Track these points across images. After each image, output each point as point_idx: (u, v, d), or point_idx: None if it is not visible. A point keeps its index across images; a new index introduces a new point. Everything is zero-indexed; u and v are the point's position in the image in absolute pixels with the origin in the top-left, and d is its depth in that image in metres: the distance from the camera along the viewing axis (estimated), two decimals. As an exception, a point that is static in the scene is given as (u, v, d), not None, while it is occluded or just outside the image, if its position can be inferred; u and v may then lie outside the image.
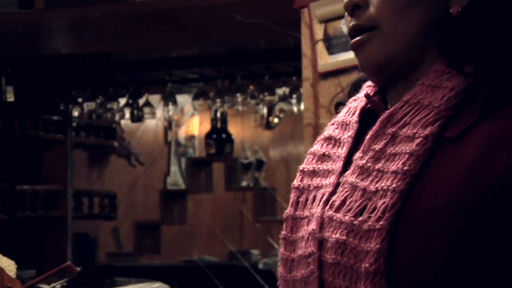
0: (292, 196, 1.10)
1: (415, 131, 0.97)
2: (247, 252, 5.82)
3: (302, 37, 3.05)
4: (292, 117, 5.12)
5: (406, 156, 0.96)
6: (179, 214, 5.70)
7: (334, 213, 1.00)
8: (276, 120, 5.03)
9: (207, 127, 5.79)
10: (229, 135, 5.27)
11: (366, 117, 1.08)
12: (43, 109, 5.13)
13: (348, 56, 2.94)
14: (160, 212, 5.68)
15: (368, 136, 1.02)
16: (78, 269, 1.56)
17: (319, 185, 1.06)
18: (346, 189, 1.01)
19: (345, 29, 2.95)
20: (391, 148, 0.99)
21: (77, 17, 3.79)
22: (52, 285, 1.58)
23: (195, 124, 6.38)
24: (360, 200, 0.98)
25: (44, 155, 5.18)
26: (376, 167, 0.98)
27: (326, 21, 2.98)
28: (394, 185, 0.95)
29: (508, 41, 0.97)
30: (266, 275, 5.12)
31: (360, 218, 0.96)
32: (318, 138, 1.13)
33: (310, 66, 3.03)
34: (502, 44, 0.97)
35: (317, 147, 1.11)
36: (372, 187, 0.97)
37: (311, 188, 1.07)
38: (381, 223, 0.94)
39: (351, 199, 0.99)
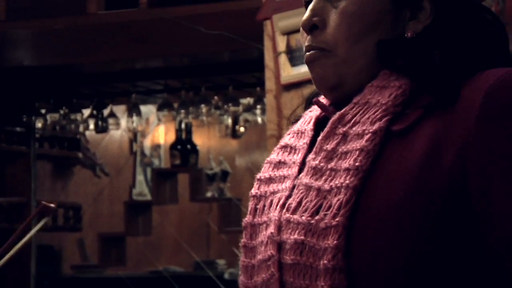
0: (250, 204, 1.12)
1: (364, 128, 1.00)
2: (213, 262, 5.82)
3: (265, 49, 3.07)
4: (256, 127, 5.14)
5: (357, 152, 0.99)
6: (144, 225, 5.69)
7: (291, 215, 1.02)
8: (242, 129, 5.05)
9: (172, 137, 5.79)
10: (194, 146, 5.27)
11: (322, 126, 1.10)
12: (6, 120, 5.09)
13: (311, 68, 2.98)
14: (125, 224, 5.66)
15: (319, 138, 1.05)
16: (53, 205, 1.59)
17: (275, 190, 1.08)
18: (301, 191, 1.03)
19: (307, 41, 3.00)
20: (342, 147, 1.01)
21: (39, 29, 3.78)
22: (37, 225, 1.59)
23: (160, 134, 6.38)
24: (316, 200, 1.00)
25: (7, 167, 5.13)
26: (329, 166, 1.01)
27: (288, 33, 3.01)
28: (347, 182, 0.97)
29: (452, 59, 1.02)
30: (232, 285, 5.12)
31: (317, 217, 0.98)
32: (275, 148, 1.16)
33: (273, 78, 3.05)
34: (445, 60, 1.02)
35: (273, 155, 1.14)
36: (326, 186, 0.99)
37: (268, 194, 1.09)
38: (337, 219, 0.96)
39: (307, 199, 1.01)
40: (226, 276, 5.46)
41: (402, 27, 1.05)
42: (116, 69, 4.62)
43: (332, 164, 1.01)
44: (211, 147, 6.09)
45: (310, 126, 1.11)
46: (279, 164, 1.11)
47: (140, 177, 6.44)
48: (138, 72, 4.66)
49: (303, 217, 1.00)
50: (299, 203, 1.02)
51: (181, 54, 4.02)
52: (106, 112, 5.29)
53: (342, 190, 0.97)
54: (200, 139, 5.74)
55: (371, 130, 0.99)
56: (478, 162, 0.94)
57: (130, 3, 3.73)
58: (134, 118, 5.05)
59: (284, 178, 1.08)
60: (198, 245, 6.20)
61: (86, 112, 5.29)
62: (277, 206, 1.05)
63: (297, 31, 3.10)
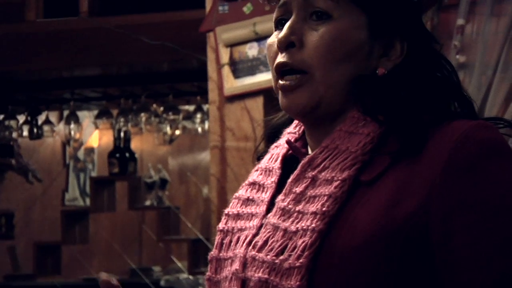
0: (217, 238, 1.13)
1: (333, 174, 1.02)
2: (149, 269, 5.79)
3: (208, 61, 3.09)
4: (202, 138, 5.15)
5: (325, 197, 1.01)
6: (81, 233, 5.62)
7: (256, 253, 1.03)
8: (177, 132, 5.03)
9: (105, 140, 5.74)
10: (132, 154, 5.24)
11: (288, 163, 1.12)
12: None
13: (254, 80, 3.01)
14: (61, 232, 5.59)
15: (289, 180, 1.06)
16: None
17: (243, 227, 1.09)
18: (268, 230, 1.04)
19: (250, 54, 3.02)
20: (311, 191, 1.03)
21: (-24, 36, 3.71)
22: None
23: (94, 139, 6.32)
24: (281, 240, 1.02)
25: None
26: (297, 209, 1.03)
27: (231, 45, 3.03)
28: (313, 225, 0.99)
29: (418, 102, 1.05)
30: (168, 292, 5.12)
31: (281, 257, 1.00)
32: (243, 184, 1.17)
33: (216, 89, 3.08)
34: (412, 103, 1.05)
35: (242, 192, 1.15)
36: (292, 227, 1.01)
37: (235, 230, 1.10)
38: (300, 261, 0.98)
39: (273, 239, 1.03)
40: (162, 283, 5.45)
41: (375, 63, 1.08)
42: (53, 76, 4.56)
43: (300, 206, 1.03)
44: (149, 155, 6.06)
45: (278, 164, 1.12)
46: (247, 201, 1.12)
47: (72, 183, 6.36)
48: (76, 80, 4.61)
49: (268, 256, 1.01)
50: (265, 242, 1.03)
51: (121, 62, 4.00)
52: (41, 119, 5.22)
53: (308, 232, 0.99)
54: (138, 147, 5.70)
55: (340, 178, 1.01)
56: (442, 213, 0.97)
57: (70, 12, 3.70)
58: (70, 125, 4.99)
59: (252, 216, 1.10)
60: (134, 253, 6.16)
61: (22, 118, 5.21)
62: (243, 243, 1.07)
63: (240, 43, 3.14)
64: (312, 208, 1.01)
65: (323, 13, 1.06)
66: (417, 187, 0.98)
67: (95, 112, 5.13)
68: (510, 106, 2.60)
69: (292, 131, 1.16)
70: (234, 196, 1.16)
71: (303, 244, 0.99)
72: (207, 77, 3.12)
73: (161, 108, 4.97)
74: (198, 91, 4.62)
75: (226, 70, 3.03)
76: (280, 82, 1.07)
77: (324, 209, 1.00)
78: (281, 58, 1.07)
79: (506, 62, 2.60)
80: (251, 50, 3.01)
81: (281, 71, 1.08)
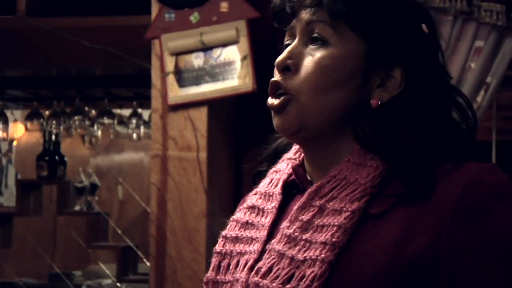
0: (214, 260, 1.12)
1: (342, 205, 1.02)
2: (70, 274, 5.68)
3: (152, 68, 3.05)
4: (136, 143, 5.08)
5: (335, 228, 1.01)
6: (5, 237, 5.47)
7: (260, 279, 1.02)
8: (113, 143, 4.97)
9: (28, 136, 5.60)
10: (62, 157, 5.13)
11: (288, 189, 1.12)
12: None
13: (198, 90, 2.99)
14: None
15: (295, 207, 1.06)
16: None
17: (243, 251, 1.08)
18: (272, 257, 1.03)
19: (196, 63, 3.00)
20: (318, 220, 1.03)
21: None
22: None
23: (20, 139, 6.18)
24: (288, 268, 1.01)
25: None
26: (304, 237, 1.02)
27: (177, 54, 3.00)
28: (323, 255, 0.99)
29: (415, 135, 1.05)
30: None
31: (288, 286, 1.00)
32: (241, 207, 1.16)
33: (160, 98, 3.04)
34: (413, 138, 1.04)
35: (240, 215, 1.14)
36: (300, 256, 1.01)
37: (234, 253, 1.09)
38: None
39: (278, 266, 1.02)
40: None
41: (369, 93, 1.07)
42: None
43: (307, 235, 1.02)
44: (79, 159, 5.94)
45: (278, 190, 1.12)
46: (247, 224, 1.11)
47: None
48: (8, 80, 4.49)
49: (274, 284, 1.01)
50: (269, 269, 1.03)
51: (57, 65, 3.91)
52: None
53: (317, 263, 0.99)
54: (67, 150, 5.59)
55: (349, 209, 1.01)
56: (450, 254, 0.98)
57: (7, 10, 3.59)
58: (0, 125, 4.86)
59: (252, 240, 1.09)
60: (58, 258, 6.04)
61: None
62: (244, 267, 1.06)
63: (186, 52, 3.12)
64: (321, 238, 1.01)
65: (320, 39, 1.06)
66: (427, 226, 0.99)
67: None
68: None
69: (292, 157, 1.16)
70: (231, 219, 1.15)
71: (312, 274, 0.99)
72: (147, 84, 3.08)
73: (93, 112, 4.89)
74: (134, 96, 4.56)
75: (171, 79, 3.00)
76: (269, 100, 1.09)
77: (334, 239, 1.00)
78: (276, 77, 1.08)
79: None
80: (197, 60, 2.99)
81: (274, 92, 1.08)
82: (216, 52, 2.97)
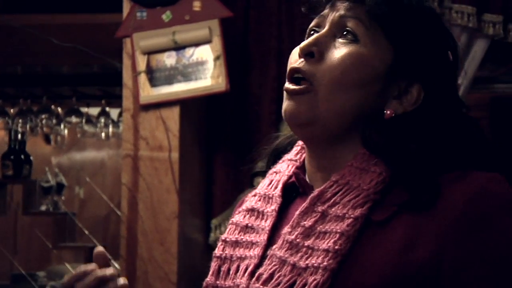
0: (213, 265, 1.10)
1: (345, 211, 1.01)
2: (33, 274, 5.60)
3: (124, 67, 3.02)
4: (103, 142, 5.01)
5: (337, 235, 0.99)
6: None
7: (261, 286, 1.01)
8: (80, 142, 4.90)
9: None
10: (27, 156, 5.05)
11: (288, 191, 1.11)
12: None
13: (171, 90, 2.96)
14: None
15: (297, 212, 1.04)
16: None
17: (243, 256, 1.07)
18: (274, 263, 1.02)
19: (168, 62, 2.97)
20: (320, 226, 1.01)
21: None
22: None
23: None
24: (290, 275, 1.00)
25: None
26: (306, 244, 1.01)
27: (149, 53, 2.97)
28: (325, 263, 0.98)
29: (425, 150, 1.03)
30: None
31: None
32: (240, 209, 1.14)
33: (131, 97, 3.00)
34: (419, 151, 1.03)
35: (240, 218, 1.12)
36: (302, 263, 0.99)
37: (234, 258, 1.08)
38: None
39: (280, 273, 1.01)
40: (48, 288, 5.30)
41: (384, 101, 1.06)
42: None
43: (309, 241, 1.01)
44: (46, 159, 5.86)
45: (278, 192, 1.11)
46: (246, 228, 1.10)
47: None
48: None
49: None
50: (271, 275, 1.01)
51: (24, 62, 3.84)
52: None
53: (320, 270, 0.98)
54: (34, 149, 5.51)
55: (352, 216, 1.00)
56: (454, 264, 0.97)
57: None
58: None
59: (252, 244, 1.08)
60: (25, 258, 5.95)
61: None
62: (244, 273, 1.05)
63: (158, 51, 3.08)
64: (324, 245, 0.99)
65: (351, 35, 1.05)
66: (431, 235, 0.98)
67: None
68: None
69: (293, 158, 1.14)
70: (230, 222, 1.13)
71: (315, 282, 0.97)
72: (115, 82, 3.05)
73: (60, 110, 4.82)
74: (103, 95, 4.50)
75: (143, 78, 2.97)
76: (286, 85, 1.07)
77: (336, 247, 0.98)
78: (297, 64, 1.06)
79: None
80: (169, 59, 2.96)
81: (292, 77, 1.06)
82: (189, 51, 2.94)
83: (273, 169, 1.15)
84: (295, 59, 1.08)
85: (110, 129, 4.63)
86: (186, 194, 3.01)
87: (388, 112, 1.05)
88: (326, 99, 1.04)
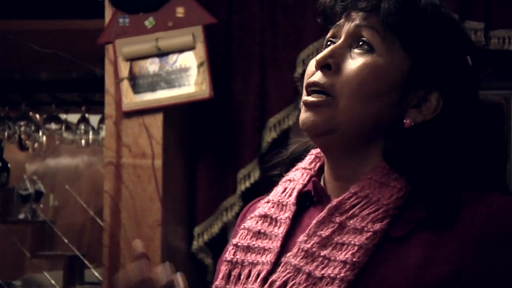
0: (224, 268, 1.09)
1: (363, 224, 1.00)
2: (9, 283, 5.53)
3: (106, 74, 2.98)
4: (83, 149, 4.96)
5: (356, 247, 0.98)
6: None
7: None
8: (60, 149, 4.85)
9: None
10: (5, 164, 4.99)
11: (301, 200, 1.10)
12: None
13: (154, 97, 2.93)
14: None
15: (314, 221, 1.03)
16: None
17: (255, 261, 1.06)
18: (288, 271, 1.01)
19: (151, 69, 2.94)
20: (338, 237, 1.00)
21: None
22: None
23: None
24: (304, 284, 0.99)
25: None
26: (322, 253, 1.00)
27: (132, 59, 2.94)
28: (342, 275, 0.97)
29: (443, 160, 1.02)
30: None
31: None
32: (252, 215, 1.13)
33: (114, 104, 2.97)
34: (437, 160, 1.02)
35: (252, 223, 1.11)
36: (317, 273, 0.98)
37: (246, 263, 1.07)
38: None
39: (294, 281, 0.99)
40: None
41: (403, 111, 1.05)
42: None
43: (326, 252, 1.00)
44: (24, 166, 5.79)
45: (292, 200, 1.10)
46: (259, 234, 1.09)
47: None
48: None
49: None
50: (284, 283, 1.00)
51: (1, 68, 3.80)
52: None
53: (336, 281, 0.97)
54: (11, 157, 5.44)
55: (371, 229, 0.99)
56: (473, 284, 0.96)
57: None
58: None
59: (264, 250, 1.06)
60: (4, 267, 5.87)
61: None
62: (256, 279, 1.03)
63: (141, 58, 3.05)
64: (341, 256, 0.98)
65: (367, 45, 1.04)
66: (449, 254, 0.97)
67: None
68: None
69: (307, 167, 1.14)
70: (242, 227, 1.12)
71: None
72: (95, 89, 3.02)
73: (38, 116, 4.77)
74: (82, 101, 4.46)
75: (125, 85, 2.94)
76: (305, 97, 1.06)
77: (354, 259, 0.97)
78: (315, 77, 1.06)
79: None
80: (152, 66, 2.93)
81: (310, 90, 1.06)
82: (172, 58, 2.92)
83: (286, 177, 1.15)
84: (312, 71, 1.07)
85: (90, 136, 4.59)
86: (170, 201, 2.98)
87: (408, 121, 1.04)
88: (345, 110, 1.03)
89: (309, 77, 1.07)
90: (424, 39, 1.04)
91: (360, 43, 1.05)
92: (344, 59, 1.05)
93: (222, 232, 3.09)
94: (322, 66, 1.05)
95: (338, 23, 1.08)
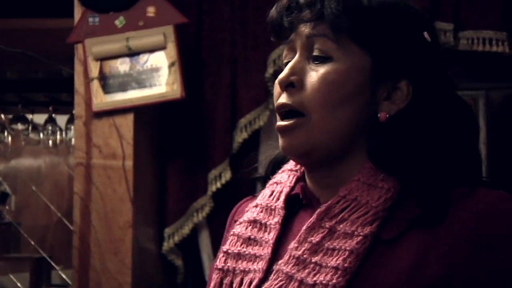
0: (215, 277, 1.08)
1: (353, 228, 0.99)
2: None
3: (76, 74, 2.95)
4: (51, 150, 4.90)
5: (347, 252, 0.97)
6: None
7: None
8: (26, 149, 4.79)
9: None
10: (-30, 165, 4.91)
11: (290, 203, 1.09)
12: None
13: (125, 97, 2.90)
14: None
15: (304, 227, 1.02)
16: None
17: (246, 269, 1.05)
18: (280, 278, 1.00)
19: (121, 69, 2.91)
20: (328, 243, 1.00)
21: None
22: None
23: None
24: None
25: None
26: (313, 260, 0.99)
27: (102, 59, 2.91)
28: (334, 281, 0.96)
29: (428, 154, 1.01)
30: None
31: None
32: (241, 220, 1.12)
33: (84, 104, 2.94)
34: (423, 155, 1.01)
35: (242, 229, 1.10)
36: (309, 280, 0.97)
37: (237, 271, 1.06)
38: None
39: None
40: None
41: (377, 106, 1.04)
42: None
43: (317, 258, 0.99)
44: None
45: (281, 204, 1.09)
46: (249, 240, 1.08)
47: None
48: None
49: None
50: None
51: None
52: None
53: None
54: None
55: (361, 233, 0.98)
56: (465, 282, 0.96)
57: None
58: None
59: (255, 257, 1.05)
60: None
61: None
62: (249, 286, 1.03)
63: (112, 57, 3.02)
64: (332, 262, 0.97)
65: (323, 54, 1.03)
66: (440, 254, 0.97)
67: None
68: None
69: (293, 168, 1.12)
70: (231, 233, 1.11)
71: None
72: (63, 89, 2.98)
73: (3, 117, 4.70)
74: (50, 101, 4.41)
75: (96, 85, 2.90)
76: (278, 122, 1.05)
77: (346, 265, 0.97)
78: (282, 98, 1.05)
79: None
80: (123, 66, 2.90)
81: (281, 112, 1.05)
82: (143, 57, 2.89)
83: (273, 179, 1.14)
84: (278, 92, 1.06)
85: (58, 136, 4.54)
86: (140, 202, 2.95)
87: (382, 114, 1.04)
88: (319, 125, 1.03)
89: (277, 99, 1.06)
90: (376, 32, 1.03)
91: (315, 53, 1.04)
92: (305, 73, 1.04)
93: (193, 233, 3.07)
94: (286, 85, 1.05)
95: (289, 38, 1.07)
